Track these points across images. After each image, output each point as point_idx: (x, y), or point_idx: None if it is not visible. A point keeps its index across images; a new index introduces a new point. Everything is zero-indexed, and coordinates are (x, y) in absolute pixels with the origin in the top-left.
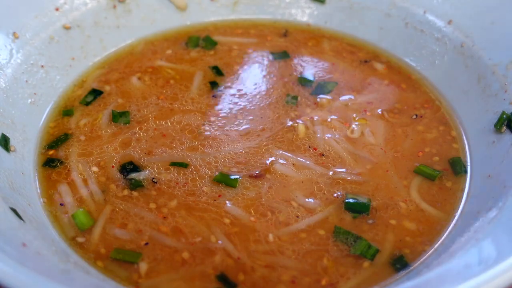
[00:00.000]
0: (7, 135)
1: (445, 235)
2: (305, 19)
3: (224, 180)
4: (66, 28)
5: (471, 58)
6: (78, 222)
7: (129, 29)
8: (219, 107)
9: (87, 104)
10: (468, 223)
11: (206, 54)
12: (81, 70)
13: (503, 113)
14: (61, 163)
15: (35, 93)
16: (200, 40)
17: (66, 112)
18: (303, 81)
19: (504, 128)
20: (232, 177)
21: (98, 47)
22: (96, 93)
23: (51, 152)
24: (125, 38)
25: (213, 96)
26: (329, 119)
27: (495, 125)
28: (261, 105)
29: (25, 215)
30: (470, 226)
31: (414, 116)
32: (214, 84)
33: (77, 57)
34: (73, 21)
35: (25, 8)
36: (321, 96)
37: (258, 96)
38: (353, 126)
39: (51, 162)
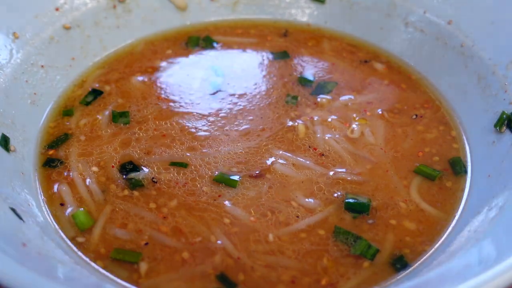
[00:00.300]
0: (7, 135)
1: (445, 235)
2: (305, 19)
3: (224, 180)
4: (66, 28)
5: (471, 58)
6: (78, 222)
7: (129, 29)
8: (219, 107)
9: (87, 104)
10: (468, 223)
11: (206, 54)
12: (81, 70)
13: (503, 113)
14: (61, 163)
15: (35, 93)
16: (200, 40)
17: (66, 112)
18: (303, 81)
19: (504, 128)
20: (232, 177)
21: (98, 47)
22: (96, 93)
23: (51, 152)
24: (125, 38)
25: (213, 96)
26: (329, 119)
27: (495, 125)
28: (261, 105)
29: (25, 215)
30: (470, 226)
31: (414, 116)
32: (214, 84)
33: (77, 57)
34: (73, 21)
35: (25, 8)
36: (321, 96)
37: (258, 96)
38: (353, 126)
39: (51, 162)
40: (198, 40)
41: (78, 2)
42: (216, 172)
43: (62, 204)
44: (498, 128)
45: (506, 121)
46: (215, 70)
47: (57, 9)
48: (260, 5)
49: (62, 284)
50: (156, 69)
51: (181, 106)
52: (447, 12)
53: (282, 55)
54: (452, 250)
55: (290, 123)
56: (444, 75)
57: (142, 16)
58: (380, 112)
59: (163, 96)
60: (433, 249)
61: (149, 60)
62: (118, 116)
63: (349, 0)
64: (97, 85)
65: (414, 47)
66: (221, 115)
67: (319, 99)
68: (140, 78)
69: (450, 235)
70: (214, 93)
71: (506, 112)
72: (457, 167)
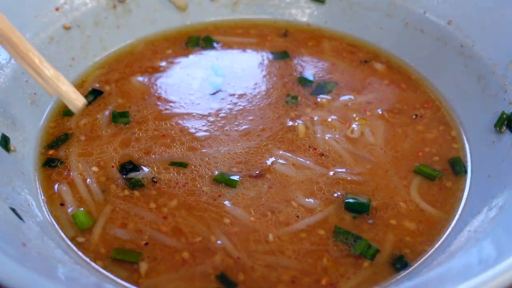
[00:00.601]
0: (7, 135)
1: (445, 235)
2: (305, 19)
3: (224, 180)
4: (66, 28)
5: (471, 58)
6: (78, 222)
7: (129, 29)
8: (219, 107)
9: (87, 104)
10: (468, 223)
11: (206, 54)
12: (81, 70)
13: (503, 113)
14: (61, 163)
15: (35, 93)
16: (200, 40)
17: (66, 112)
18: (303, 81)
19: (504, 128)
20: (232, 177)
21: (98, 47)
22: (96, 93)
23: (51, 152)
24: (125, 38)
25: (213, 96)
26: (329, 119)
27: (495, 125)
28: (261, 105)
29: (25, 215)
30: (470, 226)
31: (414, 116)
32: (214, 84)
33: (77, 57)
34: (73, 21)
35: (25, 8)
36: (321, 96)
37: (258, 96)
38: (353, 126)
39: (51, 162)
40: (198, 40)
41: (78, 2)
42: (216, 172)
43: (62, 204)
44: (498, 128)
45: (506, 121)
46: (215, 70)
47: (57, 9)
48: (260, 5)
49: (62, 284)
50: (156, 69)
51: (181, 106)
52: (447, 12)
53: (282, 55)
54: (452, 250)
55: (290, 123)
56: (444, 75)
57: (142, 16)
58: (380, 112)
59: (163, 96)
60: (433, 249)
61: (149, 60)
62: (118, 116)
63: (349, 0)
64: (97, 85)
65: (414, 47)
66: (221, 115)
67: (319, 99)
68: (140, 78)
69: (450, 235)
70: (214, 93)
71: (506, 112)
72: (457, 167)
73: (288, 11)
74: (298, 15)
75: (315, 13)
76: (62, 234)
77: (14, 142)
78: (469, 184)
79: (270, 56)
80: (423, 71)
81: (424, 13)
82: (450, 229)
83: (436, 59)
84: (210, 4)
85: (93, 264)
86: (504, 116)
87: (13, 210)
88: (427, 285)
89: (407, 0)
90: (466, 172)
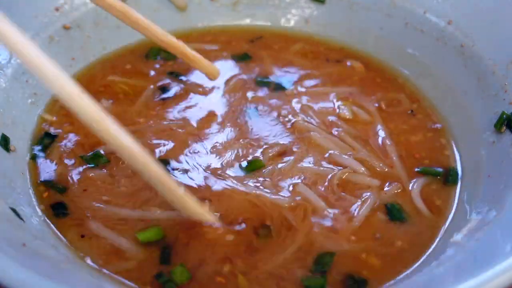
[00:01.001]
0: (7, 135)
1: (445, 235)
2: (305, 19)
3: None
4: (66, 28)
5: (471, 58)
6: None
7: (129, 29)
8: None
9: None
10: (468, 223)
11: (165, 64)
12: (81, 70)
13: (503, 113)
14: None
15: (35, 93)
16: (161, 51)
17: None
18: (263, 83)
19: (504, 128)
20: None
21: (98, 47)
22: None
23: None
24: (125, 38)
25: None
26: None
27: (495, 125)
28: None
29: (25, 215)
30: (470, 226)
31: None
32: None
33: (77, 57)
34: (73, 21)
35: (25, 8)
36: (296, 89)
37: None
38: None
39: None
40: (159, 50)
41: (78, 2)
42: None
43: None
44: (498, 128)
45: (506, 121)
46: (173, 78)
47: (57, 9)
48: (260, 5)
49: (62, 284)
50: (108, 85)
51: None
52: (447, 12)
53: (243, 57)
54: (451, 250)
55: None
56: (444, 75)
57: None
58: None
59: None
60: (433, 249)
61: (104, 77)
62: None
63: (349, 0)
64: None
65: (414, 47)
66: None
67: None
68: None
69: (449, 235)
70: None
71: (506, 112)
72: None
73: (288, 11)
74: (298, 15)
75: (315, 13)
76: (62, 234)
77: (14, 142)
78: (469, 184)
79: (232, 60)
80: (423, 71)
81: (424, 13)
82: (449, 229)
83: (436, 59)
84: (210, 4)
85: (92, 264)
86: (504, 116)
87: (13, 210)
88: (427, 285)
89: (407, 0)
90: (457, 178)
